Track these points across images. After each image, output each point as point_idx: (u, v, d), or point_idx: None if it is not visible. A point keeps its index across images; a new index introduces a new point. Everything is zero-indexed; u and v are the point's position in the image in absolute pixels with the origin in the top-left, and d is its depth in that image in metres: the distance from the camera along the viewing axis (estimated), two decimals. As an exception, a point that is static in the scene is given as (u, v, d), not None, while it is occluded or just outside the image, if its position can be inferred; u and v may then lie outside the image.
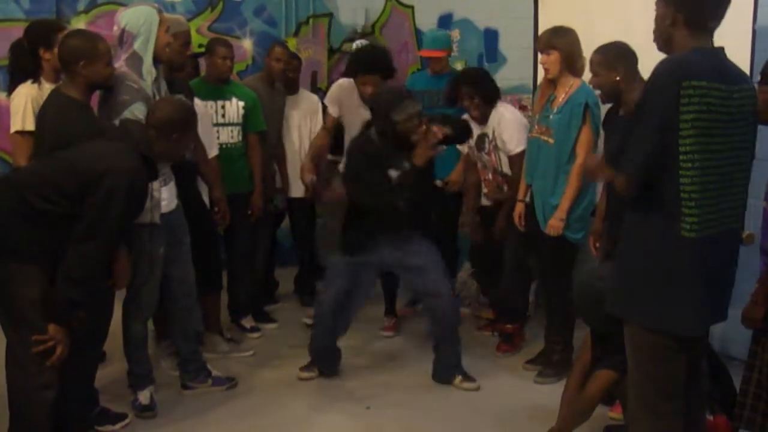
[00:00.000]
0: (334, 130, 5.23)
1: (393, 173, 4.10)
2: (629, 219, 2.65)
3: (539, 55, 4.32)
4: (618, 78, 3.64)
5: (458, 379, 4.36)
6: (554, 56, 4.19)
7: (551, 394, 3.73)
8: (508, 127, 4.65)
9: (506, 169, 4.72)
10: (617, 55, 3.65)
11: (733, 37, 2.64)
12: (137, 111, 3.60)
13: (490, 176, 4.78)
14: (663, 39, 2.60)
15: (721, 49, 2.58)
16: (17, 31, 5.23)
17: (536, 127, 4.35)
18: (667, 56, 2.55)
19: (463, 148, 4.96)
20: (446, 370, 4.38)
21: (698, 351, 2.65)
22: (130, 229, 3.48)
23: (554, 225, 4.22)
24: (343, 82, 5.16)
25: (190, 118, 3.50)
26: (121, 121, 3.49)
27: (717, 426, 3.21)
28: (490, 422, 3.95)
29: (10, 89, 4.05)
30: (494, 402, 4.18)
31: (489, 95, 4.73)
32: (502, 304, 5.02)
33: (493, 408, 4.10)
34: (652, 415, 2.64)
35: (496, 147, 4.72)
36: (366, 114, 4.80)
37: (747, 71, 3.75)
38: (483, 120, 4.75)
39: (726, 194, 2.55)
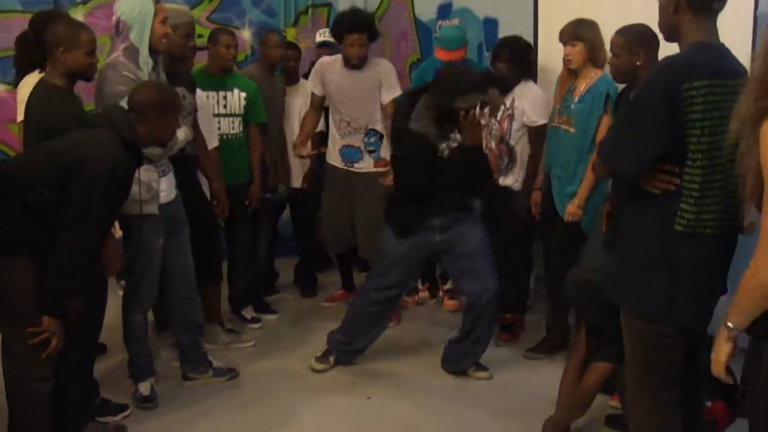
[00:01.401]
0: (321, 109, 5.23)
1: (443, 146, 4.06)
2: (629, 210, 2.65)
3: (564, 47, 4.27)
4: (639, 63, 3.61)
5: (471, 369, 4.36)
6: (579, 47, 4.17)
7: (551, 383, 3.72)
8: (532, 99, 4.63)
9: (512, 139, 4.69)
10: (640, 39, 3.59)
11: (733, 24, 2.63)
12: None
13: (494, 145, 4.75)
14: (668, 28, 2.59)
15: (722, 45, 2.57)
16: (15, 22, 5.26)
17: (557, 117, 4.33)
18: (665, 57, 2.54)
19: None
20: (463, 362, 4.38)
21: (696, 340, 2.65)
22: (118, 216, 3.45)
23: (572, 212, 4.19)
24: (324, 60, 5.13)
25: (168, 100, 3.44)
26: (104, 107, 3.47)
27: (715, 412, 3.21)
28: (490, 411, 3.95)
29: (17, 81, 4.06)
30: (494, 391, 4.19)
31: (522, 66, 4.70)
32: (503, 293, 5.01)
33: (493, 397, 4.11)
34: (650, 403, 2.64)
35: (511, 116, 4.67)
36: (352, 87, 4.87)
37: (748, 58, 3.75)
38: (505, 89, 4.71)
39: (729, 191, 2.53)
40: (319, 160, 5.41)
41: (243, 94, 4.89)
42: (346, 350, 4.46)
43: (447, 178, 4.06)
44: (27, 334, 3.06)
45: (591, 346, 3.41)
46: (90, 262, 3.22)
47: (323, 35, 5.70)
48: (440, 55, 5.11)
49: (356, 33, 4.83)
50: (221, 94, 4.87)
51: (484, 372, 4.36)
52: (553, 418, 3.56)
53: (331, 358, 4.45)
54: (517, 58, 4.67)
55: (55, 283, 3.06)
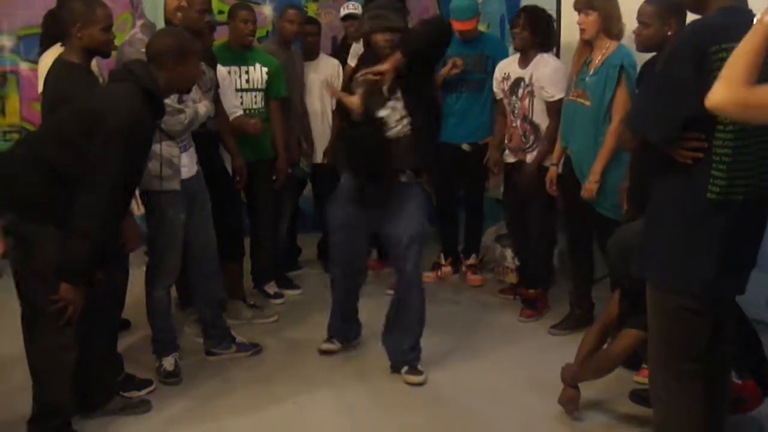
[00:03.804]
0: None
1: (383, 112, 3.82)
2: (657, 180, 2.61)
3: (577, 15, 4.22)
4: (670, 32, 3.54)
5: (404, 369, 4.03)
6: (593, 17, 4.11)
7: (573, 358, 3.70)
8: (550, 73, 4.59)
9: (537, 117, 4.65)
10: (672, 8, 3.55)
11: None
12: None
13: (518, 124, 4.72)
14: None
15: (749, 10, 2.51)
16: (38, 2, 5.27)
17: (573, 90, 4.28)
18: (692, 21, 2.50)
19: (498, 93, 4.91)
20: (396, 358, 4.09)
21: (722, 314, 2.61)
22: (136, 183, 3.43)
23: (588, 188, 4.15)
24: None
25: (183, 44, 3.39)
26: (124, 63, 3.45)
27: (745, 390, 3.18)
28: (513, 384, 3.95)
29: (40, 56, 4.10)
30: (518, 365, 4.18)
31: (539, 35, 4.65)
32: (526, 269, 5.00)
33: (517, 370, 4.10)
34: (670, 375, 2.62)
35: (531, 93, 4.64)
36: None
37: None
38: (523, 63, 4.69)
39: (762, 157, 2.49)
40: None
41: (265, 69, 4.89)
42: (341, 332, 4.37)
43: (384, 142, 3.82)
44: (47, 301, 3.05)
45: (622, 311, 3.39)
46: (109, 228, 3.14)
47: (347, 8, 5.65)
48: (452, 25, 5.08)
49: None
50: (243, 68, 4.86)
51: (417, 376, 3.99)
52: (572, 368, 3.56)
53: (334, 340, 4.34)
54: (535, 27, 4.62)
55: (72, 246, 3.00)
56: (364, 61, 3.95)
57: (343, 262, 4.13)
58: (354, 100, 3.81)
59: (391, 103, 3.81)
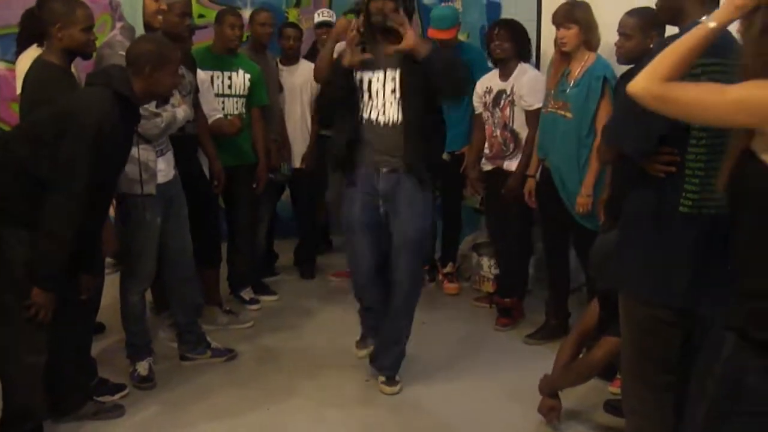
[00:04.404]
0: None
1: (369, 74, 3.76)
2: (631, 192, 2.64)
3: (557, 30, 4.23)
4: (651, 45, 3.58)
5: (381, 379, 4.01)
6: (574, 30, 4.14)
7: (550, 368, 3.72)
8: (529, 82, 4.60)
9: (517, 125, 4.66)
10: (653, 20, 3.56)
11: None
12: None
13: (498, 133, 4.73)
14: (670, 10, 2.57)
15: None
16: (15, 1, 5.23)
17: (552, 102, 4.29)
18: (668, 36, 2.52)
19: (478, 107, 4.91)
20: (373, 367, 4.07)
21: (693, 325, 2.64)
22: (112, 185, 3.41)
23: (582, 203, 4.15)
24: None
25: (162, 51, 3.34)
26: (102, 66, 3.42)
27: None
28: (490, 395, 3.95)
29: (18, 55, 4.05)
30: (494, 375, 4.17)
31: (519, 45, 4.67)
32: (502, 277, 5.02)
33: (494, 381, 4.10)
34: (643, 386, 2.64)
35: (511, 102, 4.66)
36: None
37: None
38: (504, 76, 4.70)
39: None
40: (319, 141, 5.41)
41: (248, 76, 4.88)
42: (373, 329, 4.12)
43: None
44: (18, 304, 3.02)
45: (604, 319, 3.41)
46: (89, 232, 3.14)
47: (322, 15, 5.65)
48: (432, 34, 5.10)
49: None
50: (226, 74, 4.84)
51: (392, 387, 3.98)
52: (550, 377, 3.57)
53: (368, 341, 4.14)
54: (515, 36, 4.65)
55: (42, 247, 2.99)
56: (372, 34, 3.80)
57: (365, 267, 3.94)
58: (354, 56, 3.70)
59: (382, 72, 3.73)
